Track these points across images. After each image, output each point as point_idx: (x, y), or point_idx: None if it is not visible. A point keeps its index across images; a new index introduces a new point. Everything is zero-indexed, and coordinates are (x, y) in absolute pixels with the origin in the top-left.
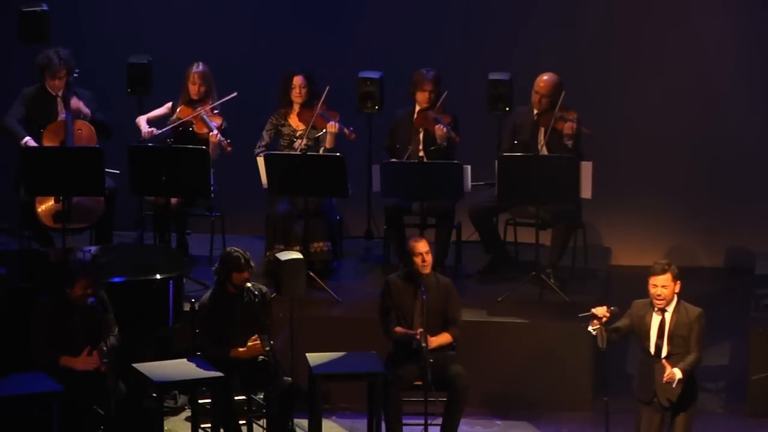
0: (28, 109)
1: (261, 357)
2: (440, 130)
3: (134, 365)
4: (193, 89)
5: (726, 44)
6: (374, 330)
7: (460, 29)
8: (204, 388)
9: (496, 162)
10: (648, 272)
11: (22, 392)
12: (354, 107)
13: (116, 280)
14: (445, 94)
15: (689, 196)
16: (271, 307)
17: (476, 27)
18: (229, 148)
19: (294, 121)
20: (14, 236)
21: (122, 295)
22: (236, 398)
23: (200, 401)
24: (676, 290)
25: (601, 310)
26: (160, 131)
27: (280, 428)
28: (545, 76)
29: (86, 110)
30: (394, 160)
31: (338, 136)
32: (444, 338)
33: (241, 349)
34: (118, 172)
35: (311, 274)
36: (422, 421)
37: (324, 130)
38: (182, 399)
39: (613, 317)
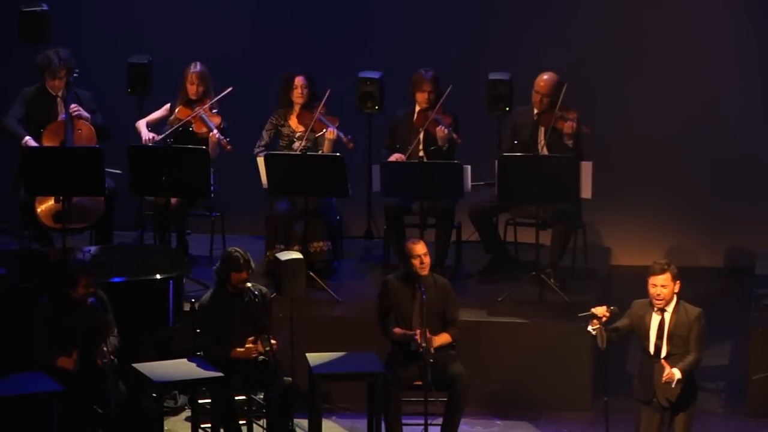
0: (28, 110)
1: (261, 357)
2: (441, 131)
3: (134, 365)
4: (192, 89)
5: (726, 44)
6: (374, 330)
7: (460, 29)
8: (204, 388)
9: (496, 162)
10: (648, 272)
11: (22, 392)
12: (354, 107)
13: (116, 280)
14: (449, 90)
15: (689, 196)
16: (271, 307)
17: (476, 27)
18: (228, 147)
19: (294, 122)
20: (14, 236)
21: (122, 295)
22: (236, 398)
23: (200, 401)
24: (676, 290)
25: (600, 310)
26: (160, 137)
27: (280, 428)
28: (545, 76)
29: (86, 115)
30: (397, 154)
31: (336, 144)
32: (443, 338)
33: (239, 350)
34: (119, 172)
35: (311, 274)
36: (422, 421)
37: (322, 133)
38: (182, 399)
39: (612, 317)
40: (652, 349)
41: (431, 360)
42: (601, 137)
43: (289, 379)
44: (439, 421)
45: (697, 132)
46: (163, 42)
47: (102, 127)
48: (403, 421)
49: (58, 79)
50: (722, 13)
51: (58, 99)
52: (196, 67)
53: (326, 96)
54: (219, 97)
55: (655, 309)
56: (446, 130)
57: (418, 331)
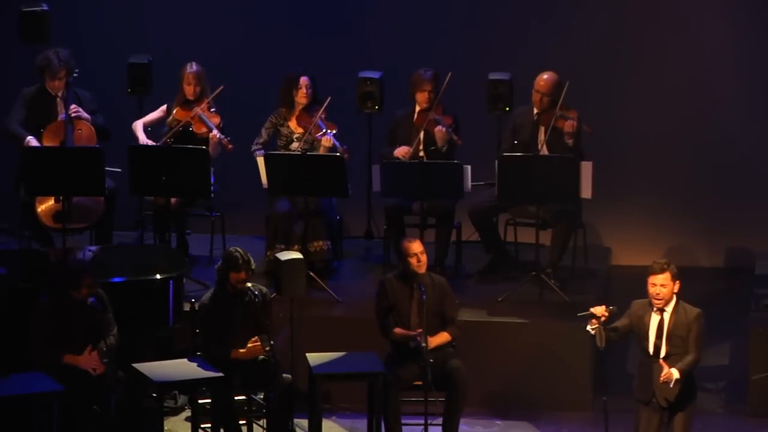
0: (28, 110)
1: (261, 357)
2: (440, 131)
3: (134, 365)
4: (189, 90)
5: (727, 44)
6: (374, 330)
7: (460, 29)
8: (204, 388)
9: (496, 162)
10: (647, 272)
11: (22, 392)
12: (354, 107)
13: (116, 280)
14: (448, 77)
15: (689, 196)
16: (271, 307)
17: (476, 27)
18: (230, 146)
19: (293, 123)
20: (14, 236)
21: (122, 295)
22: (236, 398)
23: (200, 401)
24: (675, 290)
25: (599, 310)
26: (158, 143)
27: (280, 428)
28: (545, 75)
29: (86, 116)
30: (404, 147)
31: (332, 151)
32: (443, 338)
33: (241, 351)
34: (119, 170)
35: (311, 274)
36: (422, 421)
37: (321, 133)
38: (182, 399)
39: (611, 317)
40: (651, 349)
41: (431, 360)
42: (601, 137)
43: (289, 376)
44: (439, 421)
45: (697, 132)
46: (163, 42)
47: (102, 127)
48: (403, 421)
49: (58, 80)
50: (722, 13)
51: (58, 99)
52: (192, 68)
53: (327, 103)
54: (213, 95)
55: (655, 309)
56: (444, 130)
57: (419, 331)
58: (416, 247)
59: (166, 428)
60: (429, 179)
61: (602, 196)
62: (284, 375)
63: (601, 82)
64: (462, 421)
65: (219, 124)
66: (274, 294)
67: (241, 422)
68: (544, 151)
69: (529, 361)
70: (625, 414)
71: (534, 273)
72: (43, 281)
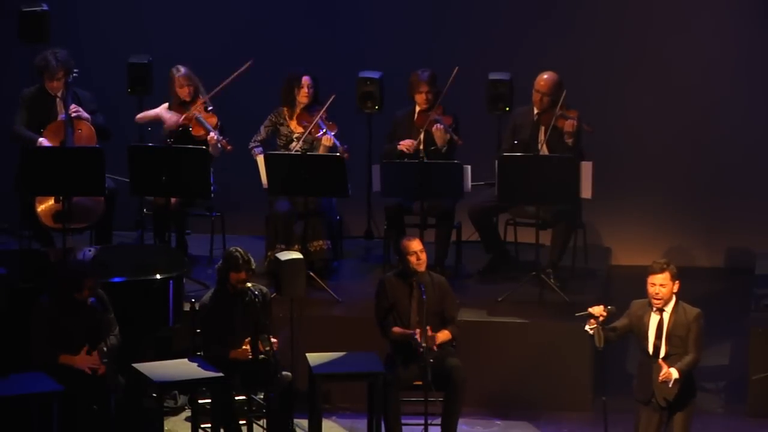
0: (28, 111)
1: (261, 356)
2: (439, 130)
3: (134, 365)
4: (183, 92)
5: (726, 44)
6: (374, 330)
7: (460, 29)
8: (204, 388)
9: (496, 162)
10: (647, 272)
11: (22, 392)
12: (354, 107)
13: (116, 280)
14: (455, 71)
15: (689, 196)
16: (271, 307)
17: (476, 27)
18: (228, 147)
19: (293, 123)
20: (14, 236)
21: (122, 295)
22: (236, 398)
23: (200, 401)
24: (675, 290)
25: (597, 310)
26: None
27: (280, 428)
28: (545, 75)
29: (86, 116)
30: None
31: (331, 151)
32: (444, 336)
33: (236, 351)
34: (127, 180)
35: (311, 274)
36: (422, 421)
37: (321, 133)
38: (182, 399)
39: (610, 316)
40: (651, 349)
41: (431, 360)
42: (601, 137)
43: (289, 374)
44: (439, 421)
45: (697, 132)
46: (162, 42)
47: (102, 127)
48: (403, 421)
49: (57, 81)
50: (722, 13)
51: (58, 99)
52: (180, 71)
53: (329, 101)
54: (240, 71)
55: (654, 309)
56: (444, 128)
57: (417, 331)
58: (415, 245)
59: (166, 428)
60: (429, 179)
61: (602, 196)
62: (284, 373)
63: (601, 82)
64: (462, 421)
65: (216, 124)
66: (274, 294)
67: (241, 422)
68: (544, 151)
69: (529, 361)
70: (624, 414)
71: (534, 273)
72: (43, 281)
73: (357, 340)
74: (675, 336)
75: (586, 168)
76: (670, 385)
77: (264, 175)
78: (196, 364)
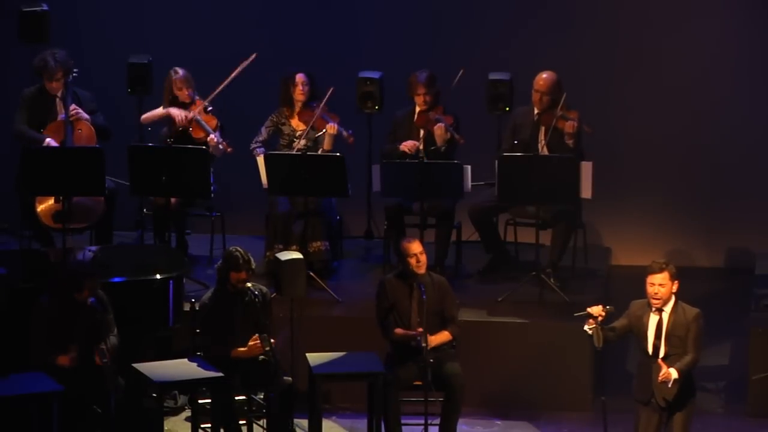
0: (28, 110)
1: (261, 357)
2: (440, 128)
3: (134, 365)
4: (182, 94)
5: (727, 44)
6: (374, 330)
7: (460, 29)
8: (204, 388)
9: (496, 162)
10: (646, 272)
11: (22, 392)
12: (354, 107)
13: (116, 280)
14: (461, 72)
15: (689, 196)
16: (271, 307)
17: (476, 27)
18: (229, 149)
19: (294, 120)
20: (14, 236)
21: (122, 295)
22: (236, 398)
23: (200, 401)
24: (674, 290)
25: (596, 309)
26: (191, 114)
27: (280, 428)
28: (544, 75)
29: (86, 116)
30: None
31: (336, 139)
32: (444, 336)
33: (241, 349)
34: (127, 183)
35: (311, 274)
36: (422, 421)
37: (324, 130)
38: (182, 399)
39: (609, 317)
40: (650, 350)
41: (431, 360)
42: (601, 137)
43: (289, 378)
44: (439, 421)
45: (697, 132)
46: (163, 42)
47: (102, 127)
48: (403, 421)
49: (56, 81)
50: (722, 13)
51: (57, 99)
52: (178, 73)
53: (329, 94)
54: (245, 65)
55: (653, 309)
56: (444, 126)
57: (419, 330)
58: (416, 247)
59: (166, 428)
60: (429, 179)
61: (602, 196)
62: (285, 378)
63: (601, 82)
64: (462, 420)
65: (216, 126)
66: (274, 294)
67: (241, 422)
68: (545, 152)
69: (529, 361)
70: (624, 414)
71: (534, 273)
72: (43, 281)
73: (357, 340)
74: (674, 336)
75: (586, 168)
76: (670, 385)
77: (264, 175)
78: (196, 364)
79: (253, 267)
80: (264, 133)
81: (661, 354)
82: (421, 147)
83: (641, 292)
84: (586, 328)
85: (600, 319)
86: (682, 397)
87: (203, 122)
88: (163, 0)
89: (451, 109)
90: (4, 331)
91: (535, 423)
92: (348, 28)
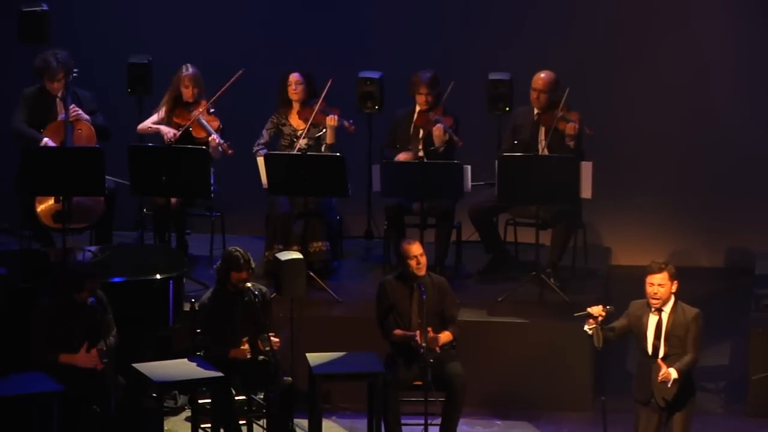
0: (29, 110)
1: (261, 357)
2: (438, 129)
3: (134, 365)
4: (187, 92)
5: (727, 45)
6: (374, 330)
7: (460, 29)
8: (204, 388)
9: (496, 162)
10: (645, 272)
11: (22, 392)
12: (354, 107)
13: (116, 280)
14: (450, 87)
15: (689, 196)
16: (271, 307)
17: (476, 27)
18: (230, 151)
19: (294, 120)
20: (14, 236)
21: (122, 295)
22: (236, 398)
23: (200, 401)
24: (673, 290)
25: (596, 309)
26: (178, 133)
27: (280, 428)
28: (542, 74)
29: (86, 117)
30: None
31: (339, 131)
32: (445, 336)
33: (235, 351)
34: (126, 183)
35: (311, 274)
36: (422, 421)
37: (324, 129)
38: (182, 399)
39: (609, 316)
40: (650, 350)
41: (431, 360)
42: (601, 137)
43: (289, 379)
44: (439, 421)
45: (697, 132)
46: (163, 42)
47: (102, 128)
48: (403, 421)
49: (57, 81)
50: (723, 14)
51: (58, 99)
52: (188, 70)
53: (327, 87)
54: (232, 81)
55: (653, 309)
56: (443, 128)
57: (417, 332)
58: (416, 249)
59: (166, 428)
60: (429, 179)
61: (602, 196)
62: (285, 378)
63: (601, 82)
64: (462, 420)
65: (218, 127)
66: (274, 294)
67: (241, 422)
68: (545, 153)
69: (529, 361)
70: (624, 414)
71: (534, 273)
72: (43, 281)
73: (357, 340)
74: (674, 336)
75: (586, 168)
76: (669, 385)
77: (264, 175)
78: (196, 364)
79: (253, 266)
80: (265, 135)
81: (661, 354)
82: (421, 147)
83: (641, 292)
84: (586, 328)
85: (600, 319)
86: (682, 397)
87: (205, 123)
88: (163, 0)
89: (451, 109)
90: (4, 331)
91: (535, 423)
92: (348, 28)
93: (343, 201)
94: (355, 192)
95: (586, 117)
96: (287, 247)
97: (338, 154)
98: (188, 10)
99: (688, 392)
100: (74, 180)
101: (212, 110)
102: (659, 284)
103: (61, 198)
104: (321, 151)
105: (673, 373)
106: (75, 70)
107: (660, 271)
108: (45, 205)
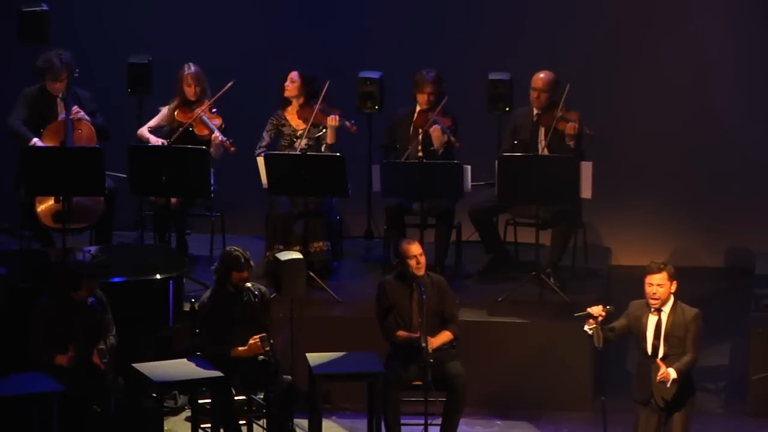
0: (29, 110)
1: (261, 357)
2: (436, 131)
3: (134, 365)
4: (189, 91)
5: (727, 45)
6: (374, 330)
7: (460, 29)
8: (204, 388)
9: (496, 162)
10: (645, 272)
11: (22, 392)
12: (354, 107)
13: (116, 280)
14: (444, 100)
15: (689, 196)
16: (270, 307)
17: (476, 27)
18: (232, 148)
19: (294, 120)
20: (14, 236)
21: (122, 295)
22: (236, 398)
23: (200, 401)
24: (673, 290)
25: (596, 309)
26: (169, 141)
27: (280, 428)
28: (541, 74)
29: (86, 117)
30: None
31: (339, 131)
32: (445, 336)
33: (241, 348)
34: (124, 176)
35: (311, 274)
36: (422, 421)
37: (324, 129)
38: (182, 399)
39: (609, 316)
40: (649, 350)
41: (431, 360)
42: (601, 137)
43: (289, 377)
44: (439, 421)
45: (697, 132)
46: (163, 42)
47: (101, 128)
48: (403, 421)
49: (60, 82)
50: (724, 14)
51: (59, 100)
52: (190, 69)
53: (325, 88)
54: (221, 92)
55: (652, 309)
56: (441, 129)
57: (419, 334)
58: (415, 248)
59: (166, 428)
60: (429, 179)
61: (602, 196)
62: (284, 376)
63: (601, 82)
64: (462, 421)
65: (221, 125)
66: (274, 294)
67: (241, 422)
68: (545, 152)
69: (529, 361)
70: (624, 414)
71: (534, 273)
72: (43, 281)
73: (357, 340)
74: (673, 336)
75: (586, 168)
76: (668, 385)
77: (264, 175)
78: (196, 364)
79: (252, 265)
80: (266, 137)
81: (660, 354)
82: (420, 147)
83: (641, 292)
84: (586, 328)
85: (600, 319)
86: (681, 397)
87: (208, 120)
88: (163, 0)
89: (451, 109)
90: (4, 331)
91: (535, 423)
92: (348, 28)
93: (343, 201)
94: (355, 192)
95: (586, 117)
96: (288, 247)
97: (338, 154)
98: (188, 10)
99: (688, 392)
100: (74, 180)
101: (214, 110)
102: (658, 284)
103: (61, 198)
104: (321, 151)
105: (672, 373)
106: (76, 70)
107: (659, 271)
108: (45, 205)
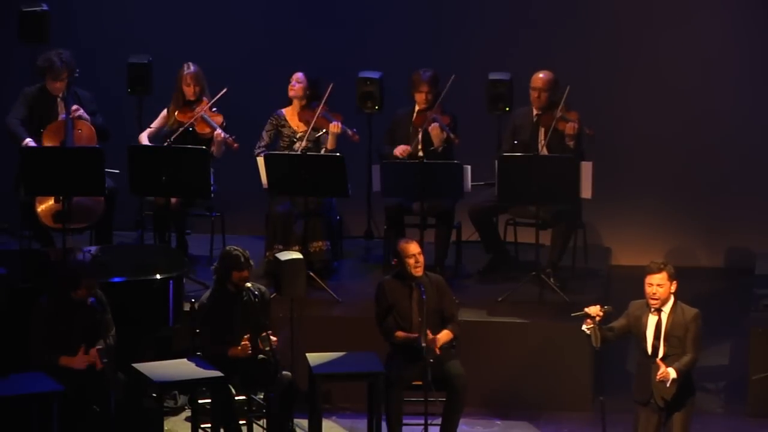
0: (29, 109)
1: (261, 356)
2: (436, 128)
3: (134, 365)
4: (189, 91)
5: (727, 45)
6: (374, 330)
7: (459, 29)
8: (204, 388)
9: (496, 162)
10: (645, 272)
11: (22, 392)
12: (354, 107)
13: (116, 280)
14: (450, 80)
15: (689, 196)
16: (270, 307)
17: (476, 27)
18: (235, 145)
19: (294, 121)
20: (14, 236)
21: (122, 295)
22: (236, 398)
23: (200, 401)
24: (672, 290)
25: (594, 309)
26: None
27: (280, 428)
28: (541, 74)
29: (86, 117)
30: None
31: (340, 138)
32: (445, 336)
33: (235, 348)
34: (117, 171)
35: (311, 274)
36: (422, 421)
37: (324, 131)
38: (182, 399)
39: (607, 316)
40: (649, 350)
41: (431, 360)
42: (601, 137)
43: (289, 374)
44: (439, 421)
45: (697, 132)
46: (163, 42)
47: (101, 128)
48: (403, 421)
49: (60, 82)
50: (723, 14)
51: (59, 100)
52: (190, 69)
53: (328, 91)
54: (215, 98)
55: (652, 309)
56: (440, 126)
57: (418, 335)
58: (414, 248)
59: (166, 428)
60: (429, 179)
61: (602, 197)
62: (284, 372)
63: (601, 82)
64: (462, 421)
65: (222, 123)
66: (274, 294)
67: (241, 422)
68: (545, 152)
69: (529, 361)
70: (624, 414)
71: (534, 273)
72: (43, 281)
73: (357, 340)
74: (673, 336)
75: (586, 168)
76: (668, 385)
77: (264, 175)
78: (196, 364)
79: (252, 265)
80: (265, 137)
81: (660, 354)
82: (420, 147)
83: (641, 292)
84: (583, 327)
85: (598, 319)
86: (681, 397)
87: (209, 118)
88: (163, 0)
89: (450, 109)
90: (4, 331)
91: (535, 423)
92: (348, 28)
93: (343, 201)
94: (355, 192)
95: (586, 117)
96: (287, 247)
97: (338, 154)
98: (188, 10)
99: (688, 392)
100: (74, 180)
101: (214, 109)
102: (658, 284)
103: (61, 198)
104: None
105: (672, 373)
106: (77, 70)
107: (659, 271)
108: (45, 205)
